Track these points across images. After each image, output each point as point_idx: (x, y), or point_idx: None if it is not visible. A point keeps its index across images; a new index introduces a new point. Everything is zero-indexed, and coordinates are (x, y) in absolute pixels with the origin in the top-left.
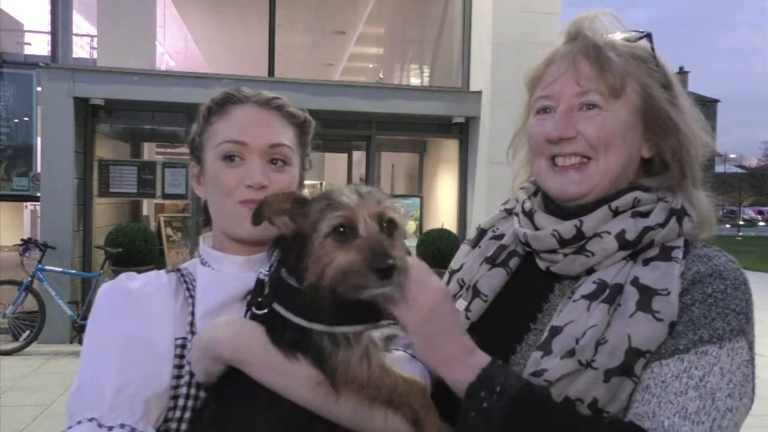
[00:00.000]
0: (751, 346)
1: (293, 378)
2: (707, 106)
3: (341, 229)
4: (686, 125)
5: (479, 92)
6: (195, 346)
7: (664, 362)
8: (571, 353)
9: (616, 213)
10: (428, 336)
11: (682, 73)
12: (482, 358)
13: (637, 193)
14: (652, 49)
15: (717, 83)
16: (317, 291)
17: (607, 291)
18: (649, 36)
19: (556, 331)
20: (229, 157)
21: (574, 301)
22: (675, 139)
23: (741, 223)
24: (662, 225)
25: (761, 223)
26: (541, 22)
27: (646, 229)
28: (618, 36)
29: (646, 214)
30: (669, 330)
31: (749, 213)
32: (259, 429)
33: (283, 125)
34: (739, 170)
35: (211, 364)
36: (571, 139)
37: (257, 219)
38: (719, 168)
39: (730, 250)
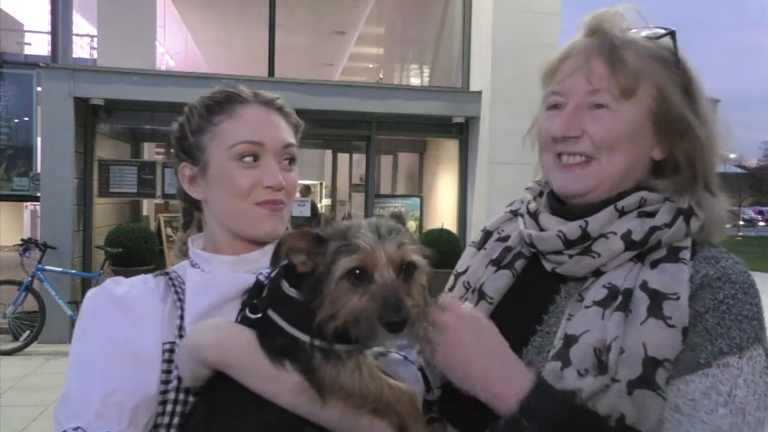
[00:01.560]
0: (767, 353)
1: (279, 383)
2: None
3: (357, 272)
4: (704, 131)
5: (479, 92)
6: (181, 349)
7: (688, 378)
8: (603, 369)
9: (622, 213)
10: (464, 360)
11: None
12: (525, 380)
13: (644, 193)
14: (675, 48)
15: (717, 83)
16: (326, 325)
17: (620, 298)
18: (672, 34)
19: (571, 339)
20: (245, 158)
21: (587, 307)
22: (689, 142)
23: (741, 223)
24: (669, 225)
25: (761, 223)
26: (541, 23)
27: (653, 229)
28: (640, 33)
29: (652, 214)
30: (683, 337)
31: (749, 213)
32: (248, 429)
33: (288, 125)
34: (739, 170)
35: (197, 367)
36: (577, 138)
37: (276, 261)
38: (719, 168)
39: (730, 250)
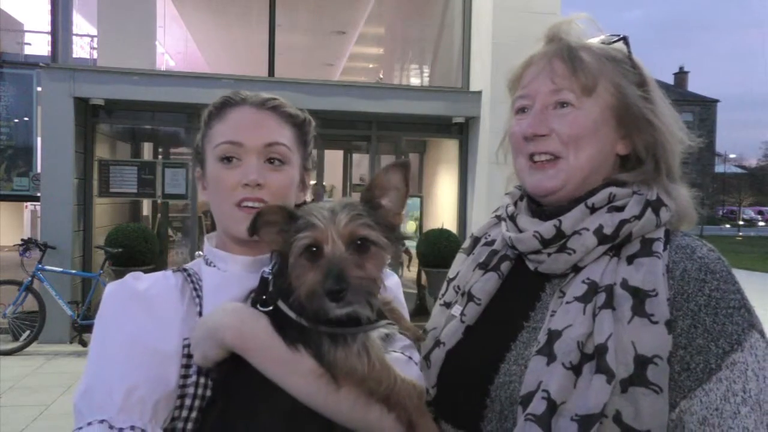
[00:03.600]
0: (762, 334)
1: (295, 368)
2: (707, 106)
3: (314, 249)
4: (661, 121)
5: (479, 92)
6: (198, 329)
7: (707, 388)
8: (610, 375)
9: (593, 210)
10: None
11: (682, 73)
12: None
13: (612, 189)
14: (629, 51)
15: (717, 83)
16: (302, 304)
17: (603, 295)
18: (625, 39)
19: (554, 335)
20: (226, 158)
21: (567, 303)
22: (649, 134)
23: (741, 223)
24: (638, 217)
25: (761, 223)
26: (541, 22)
27: (623, 222)
28: (595, 40)
29: (621, 208)
30: (668, 329)
31: (749, 213)
32: (262, 426)
33: (280, 125)
34: (739, 170)
35: (211, 348)
36: (545, 137)
37: (252, 230)
38: (719, 168)
39: (730, 250)
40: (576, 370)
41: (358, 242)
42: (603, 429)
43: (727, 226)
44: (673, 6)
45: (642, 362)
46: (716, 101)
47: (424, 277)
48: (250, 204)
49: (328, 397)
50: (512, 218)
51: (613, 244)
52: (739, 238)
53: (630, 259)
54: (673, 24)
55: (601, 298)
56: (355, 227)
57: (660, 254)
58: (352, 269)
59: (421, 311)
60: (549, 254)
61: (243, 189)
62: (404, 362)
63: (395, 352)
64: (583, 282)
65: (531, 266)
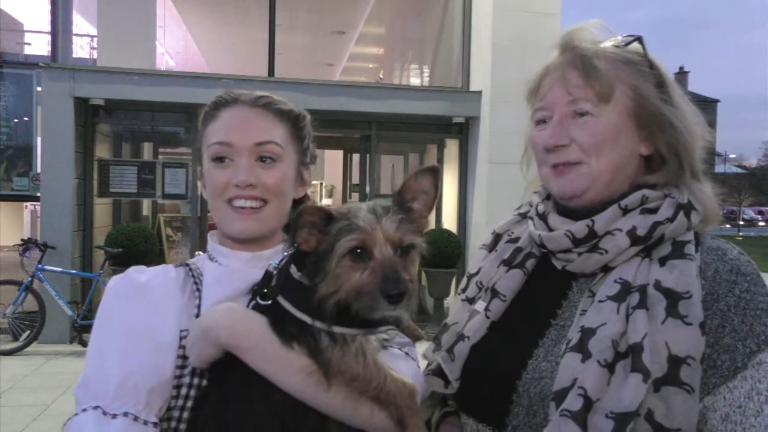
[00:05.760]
0: None
1: (287, 366)
2: (707, 106)
3: (358, 251)
4: (681, 121)
5: (479, 92)
6: (193, 329)
7: (731, 385)
8: (646, 374)
9: (625, 211)
10: None
11: (682, 73)
12: None
13: (645, 191)
14: (644, 50)
15: (717, 83)
16: (327, 301)
17: (637, 295)
18: (639, 39)
19: (587, 332)
20: (218, 159)
21: (600, 301)
22: (670, 134)
23: (741, 223)
24: (671, 219)
25: (761, 223)
26: (541, 22)
27: (656, 224)
28: (608, 44)
29: (654, 210)
30: (701, 331)
31: (749, 213)
32: (255, 420)
33: (272, 122)
34: (739, 170)
35: (205, 348)
36: (566, 147)
37: (294, 230)
38: (719, 168)
39: None
40: (610, 368)
41: (401, 245)
42: (635, 426)
43: (728, 226)
44: (675, 6)
45: (675, 362)
46: (716, 101)
47: (423, 277)
48: (242, 203)
49: (318, 393)
50: (542, 217)
51: (645, 245)
52: (739, 238)
53: (662, 261)
54: (673, 24)
55: (635, 298)
56: (403, 233)
57: (693, 256)
58: (404, 273)
59: (420, 311)
60: (579, 253)
61: (234, 189)
62: (402, 358)
63: (393, 347)
64: (616, 282)
65: (558, 265)
